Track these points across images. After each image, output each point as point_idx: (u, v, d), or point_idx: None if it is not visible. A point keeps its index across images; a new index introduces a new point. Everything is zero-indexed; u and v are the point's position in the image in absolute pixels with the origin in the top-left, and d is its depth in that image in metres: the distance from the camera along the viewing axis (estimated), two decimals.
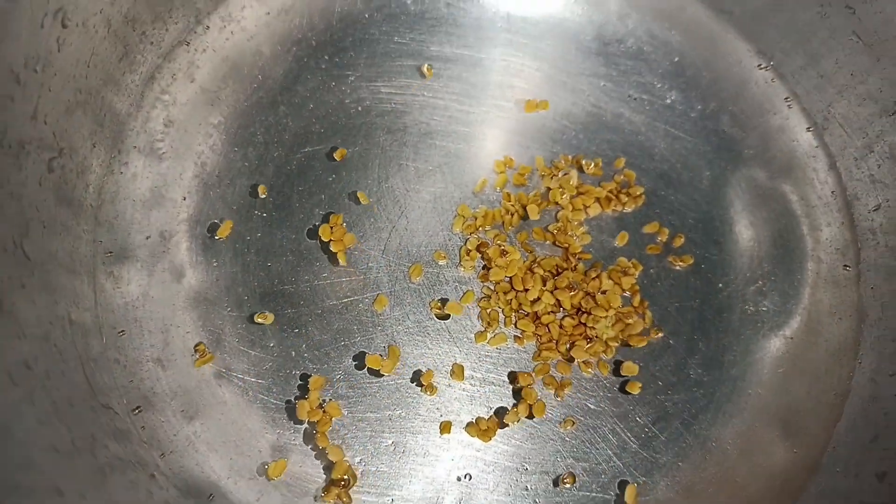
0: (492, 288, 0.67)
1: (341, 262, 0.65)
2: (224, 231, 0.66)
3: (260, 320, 0.64)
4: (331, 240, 0.66)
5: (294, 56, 0.72)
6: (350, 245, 0.66)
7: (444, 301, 0.66)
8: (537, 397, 0.63)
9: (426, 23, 0.74)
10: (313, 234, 0.67)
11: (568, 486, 0.62)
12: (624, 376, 0.65)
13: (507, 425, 0.63)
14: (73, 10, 0.55)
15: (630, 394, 0.64)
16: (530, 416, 0.63)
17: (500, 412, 0.63)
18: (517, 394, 0.64)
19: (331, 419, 0.61)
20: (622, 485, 0.62)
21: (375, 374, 0.63)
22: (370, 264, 0.66)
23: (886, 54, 0.64)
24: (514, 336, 0.66)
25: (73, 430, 0.50)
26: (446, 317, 0.65)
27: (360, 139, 0.70)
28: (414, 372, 0.64)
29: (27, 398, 0.47)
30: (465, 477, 0.62)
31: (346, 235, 0.66)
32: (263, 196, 0.67)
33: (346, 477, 0.60)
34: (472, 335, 0.65)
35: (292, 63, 0.72)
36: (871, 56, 0.66)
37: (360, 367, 0.63)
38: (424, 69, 0.72)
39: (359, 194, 0.68)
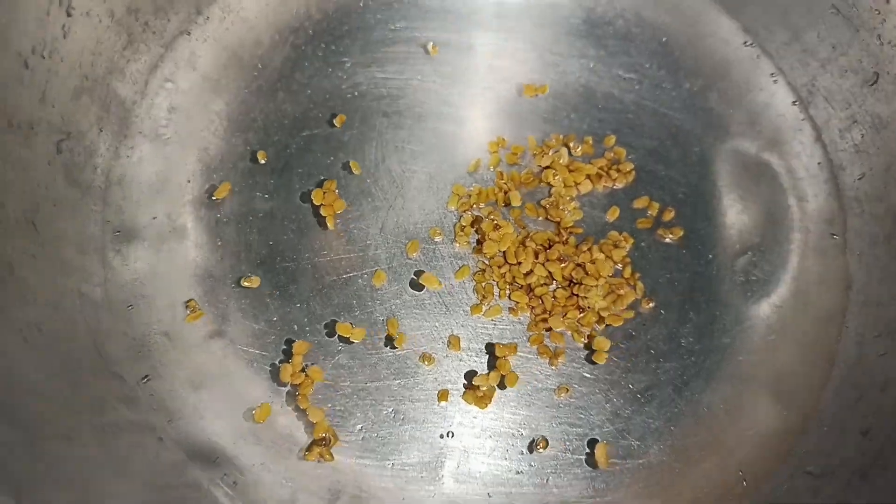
0: (486, 262, 0.69)
1: (329, 225, 0.68)
2: (222, 192, 0.68)
3: (246, 284, 0.66)
4: (322, 204, 0.68)
5: (291, 44, 0.74)
6: (339, 210, 0.68)
7: (419, 273, 0.68)
8: (510, 368, 0.65)
9: (419, 9, 0.77)
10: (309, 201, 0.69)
11: (542, 449, 0.63)
12: (594, 350, 0.66)
13: (505, 387, 0.65)
14: (77, 0, 0.58)
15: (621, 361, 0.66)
16: (502, 386, 0.65)
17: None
18: (491, 364, 0.66)
19: (312, 382, 0.63)
20: (615, 444, 0.64)
21: (374, 345, 0.66)
22: (368, 242, 0.69)
23: (864, 25, 0.66)
24: (509, 308, 0.68)
25: (82, 390, 0.53)
26: (421, 287, 0.67)
27: (356, 123, 0.72)
28: (412, 343, 0.66)
29: (38, 356, 0.49)
30: (461, 443, 0.64)
31: (337, 201, 0.69)
32: (263, 162, 0.70)
33: (326, 436, 0.62)
34: (468, 308, 0.67)
35: (290, 51, 0.74)
36: (850, 28, 0.67)
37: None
38: (429, 47, 0.75)
39: (351, 164, 0.70)
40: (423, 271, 0.68)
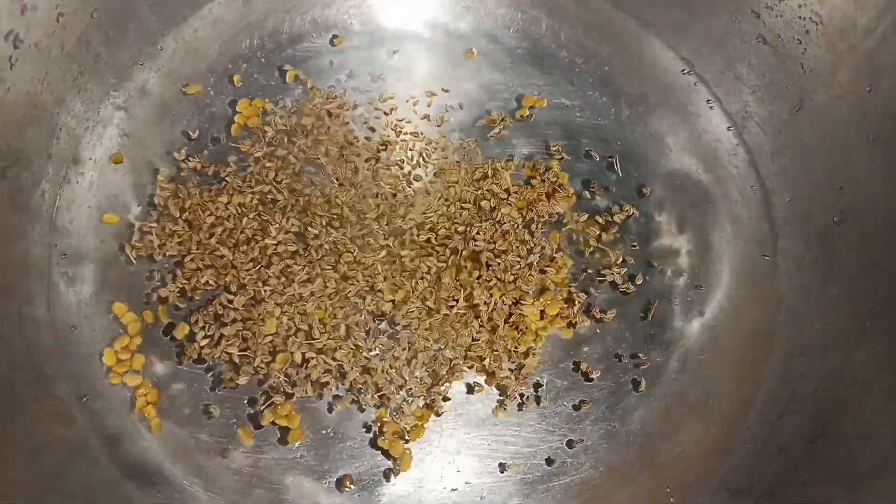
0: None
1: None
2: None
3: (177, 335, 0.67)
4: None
5: (244, 73, 0.77)
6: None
7: None
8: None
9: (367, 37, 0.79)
10: None
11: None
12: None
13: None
14: (24, 33, 0.60)
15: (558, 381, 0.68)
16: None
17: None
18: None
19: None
20: (549, 462, 0.65)
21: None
22: None
23: (788, 54, 0.69)
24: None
25: (16, 411, 0.54)
26: None
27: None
28: None
29: None
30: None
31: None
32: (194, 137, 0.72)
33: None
34: None
35: (243, 79, 0.76)
36: (776, 56, 0.70)
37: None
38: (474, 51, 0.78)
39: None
40: None
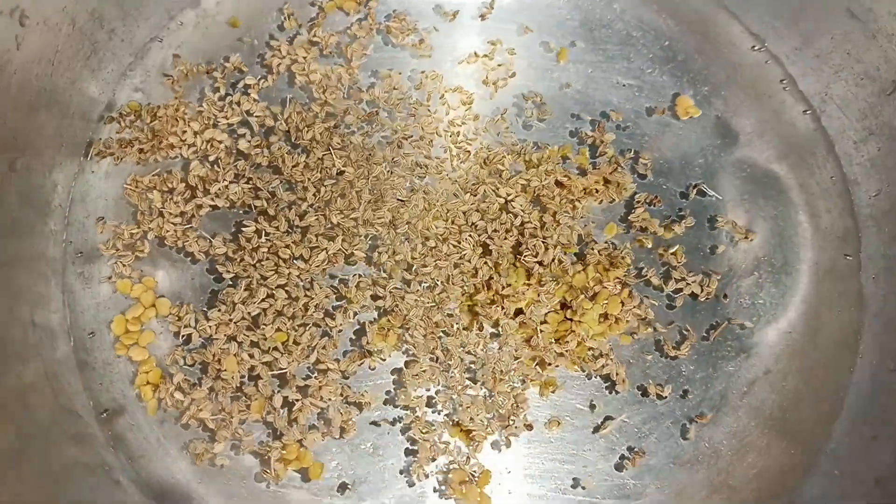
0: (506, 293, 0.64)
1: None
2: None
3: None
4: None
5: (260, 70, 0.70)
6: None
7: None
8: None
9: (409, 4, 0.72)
10: None
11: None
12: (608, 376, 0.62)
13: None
14: (31, 9, 0.54)
15: (619, 392, 0.62)
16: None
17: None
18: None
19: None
20: (610, 484, 0.60)
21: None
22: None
23: (882, 31, 0.61)
24: (491, 334, 0.63)
25: (32, 433, 0.49)
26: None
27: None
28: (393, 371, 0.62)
29: None
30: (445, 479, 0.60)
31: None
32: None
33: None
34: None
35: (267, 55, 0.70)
36: (866, 34, 0.62)
37: (345, 376, 0.61)
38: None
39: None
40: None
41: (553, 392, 0.62)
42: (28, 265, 0.57)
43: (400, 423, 0.61)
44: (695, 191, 0.66)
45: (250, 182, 0.64)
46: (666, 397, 0.62)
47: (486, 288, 0.62)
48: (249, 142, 0.65)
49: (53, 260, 0.60)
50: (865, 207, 0.65)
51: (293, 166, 0.64)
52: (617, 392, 0.62)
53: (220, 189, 0.63)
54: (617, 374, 0.61)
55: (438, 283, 0.62)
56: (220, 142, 0.65)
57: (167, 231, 0.62)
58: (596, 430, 0.61)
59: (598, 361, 0.61)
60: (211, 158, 0.64)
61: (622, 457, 0.61)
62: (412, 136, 0.66)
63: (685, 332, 0.63)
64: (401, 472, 0.60)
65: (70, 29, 0.59)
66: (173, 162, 0.65)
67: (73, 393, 0.57)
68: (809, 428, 0.61)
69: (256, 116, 0.66)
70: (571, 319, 0.62)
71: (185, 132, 0.65)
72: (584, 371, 0.62)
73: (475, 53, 0.69)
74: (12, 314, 0.54)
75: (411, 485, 0.60)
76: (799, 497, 0.59)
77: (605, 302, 0.62)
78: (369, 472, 0.60)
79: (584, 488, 0.60)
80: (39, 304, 0.57)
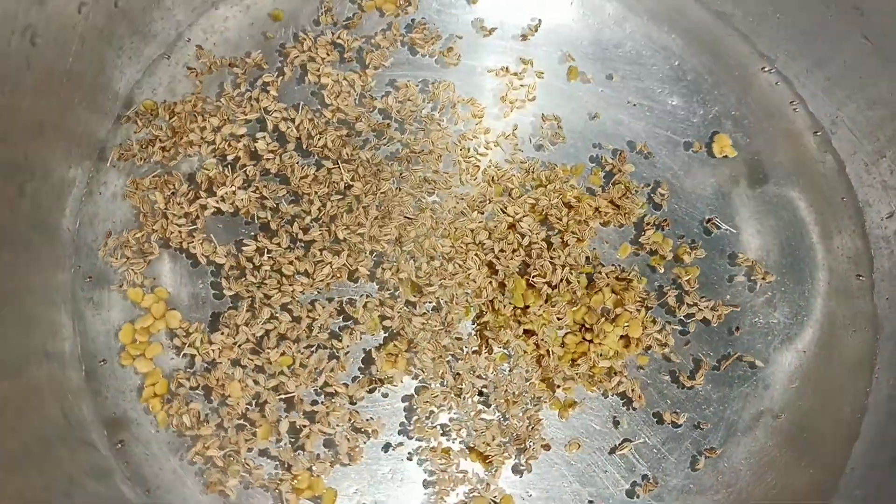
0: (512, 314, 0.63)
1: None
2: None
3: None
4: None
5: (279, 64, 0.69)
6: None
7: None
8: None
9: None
10: None
11: None
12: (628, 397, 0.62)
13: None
14: (43, 28, 0.52)
15: (636, 409, 0.62)
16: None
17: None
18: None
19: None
20: None
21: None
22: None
23: (895, 56, 0.62)
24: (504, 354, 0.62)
25: (46, 473, 0.47)
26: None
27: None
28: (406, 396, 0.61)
29: None
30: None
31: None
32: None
33: None
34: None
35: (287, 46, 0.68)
36: (880, 58, 0.63)
37: (353, 401, 0.60)
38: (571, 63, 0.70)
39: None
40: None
41: (573, 412, 0.61)
42: (38, 292, 0.55)
43: (417, 455, 0.60)
44: (710, 224, 0.67)
45: (258, 191, 0.62)
46: (681, 425, 0.62)
47: (490, 309, 0.62)
48: (267, 144, 0.64)
49: (63, 286, 0.59)
50: (877, 229, 0.66)
51: (301, 177, 0.63)
52: (634, 409, 0.62)
53: (227, 193, 0.62)
54: (633, 391, 0.61)
55: (444, 303, 0.61)
56: (240, 138, 0.64)
57: (171, 232, 0.61)
58: (613, 451, 0.61)
59: (613, 380, 0.61)
60: (230, 157, 0.63)
61: (644, 476, 0.61)
62: (422, 151, 0.65)
63: (700, 360, 0.64)
64: None
65: (80, 47, 0.57)
66: (178, 164, 0.64)
67: (87, 423, 0.55)
68: (829, 448, 0.62)
69: (274, 116, 0.65)
70: (591, 341, 0.62)
71: (203, 128, 0.63)
72: (599, 391, 0.62)
73: (506, 68, 0.69)
74: (25, 346, 0.52)
75: None
76: None
77: (626, 325, 0.62)
78: (389, 498, 0.59)
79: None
80: (51, 333, 0.56)
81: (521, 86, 0.69)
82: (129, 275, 0.60)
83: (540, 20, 0.70)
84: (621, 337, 0.63)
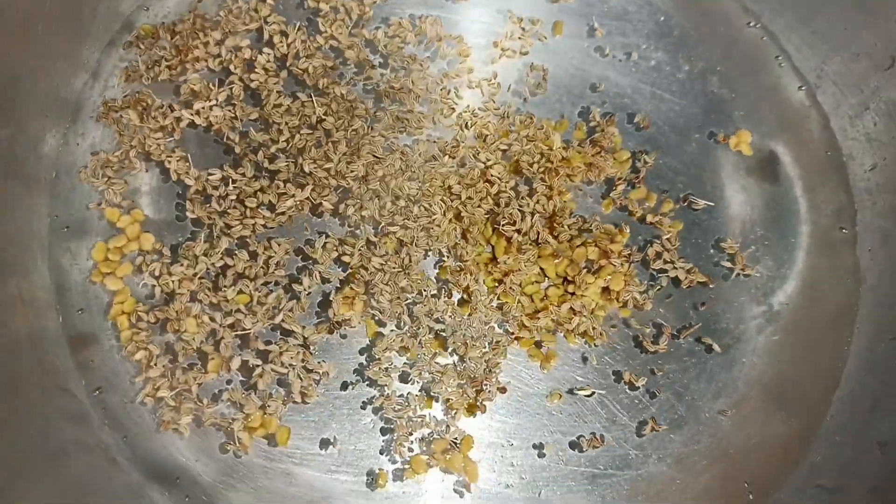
0: (476, 260, 0.63)
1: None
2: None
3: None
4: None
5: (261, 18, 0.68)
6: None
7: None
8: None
9: None
10: None
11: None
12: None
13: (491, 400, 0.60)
14: None
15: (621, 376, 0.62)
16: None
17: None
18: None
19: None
20: (610, 453, 0.60)
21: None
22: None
23: (879, 7, 0.61)
24: (497, 306, 0.62)
25: (28, 413, 0.47)
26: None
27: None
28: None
29: None
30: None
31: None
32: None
33: None
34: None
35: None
36: (862, 11, 0.63)
37: (307, 344, 0.60)
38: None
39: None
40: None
41: (554, 364, 0.61)
42: (14, 240, 0.55)
43: (371, 404, 0.60)
44: (686, 204, 0.66)
45: (233, 110, 0.62)
46: (659, 365, 0.62)
47: (452, 254, 0.62)
48: (267, 62, 0.64)
49: (39, 234, 0.58)
50: (860, 181, 0.66)
51: (275, 105, 0.63)
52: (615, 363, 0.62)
53: (203, 107, 0.62)
54: (594, 329, 0.61)
55: (404, 244, 0.61)
56: (241, 50, 0.64)
57: (150, 146, 0.61)
58: (597, 401, 0.61)
59: (573, 319, 0.61)
60: (234, 70, 0.64)
61: (623, 426, 0.61)
62: (400, 89, 0.65)
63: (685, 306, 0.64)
64: (381, 453, 0.59)
65: None
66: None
67: (64, 371, 0.55)
68: (809, 399, 0.62)
69: (272, 27, 0.65)
70: (573, 294, 0.62)
71: (207, 43, 0.64)
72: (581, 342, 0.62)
73: (520, 18, 0.69)
74: (3, 292, 0.51)
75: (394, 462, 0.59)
76: (802, 465, 0.59)
77: (609, 277, 0.62)
78: (347, 436, 0.60)
79: (580, 458, 0.60)
80: (27, 280, 0.55)
81: (520, 38, 0.68)
82: (109, 194, 0.61)
83: None
84: (603, 290, 0.63)
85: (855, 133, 0.66)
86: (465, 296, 0.62)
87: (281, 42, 0.64)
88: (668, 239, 0.65)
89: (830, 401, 0.61)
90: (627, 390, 0.62)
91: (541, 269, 0.63)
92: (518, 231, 0.61)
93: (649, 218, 0.65)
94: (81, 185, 0.61)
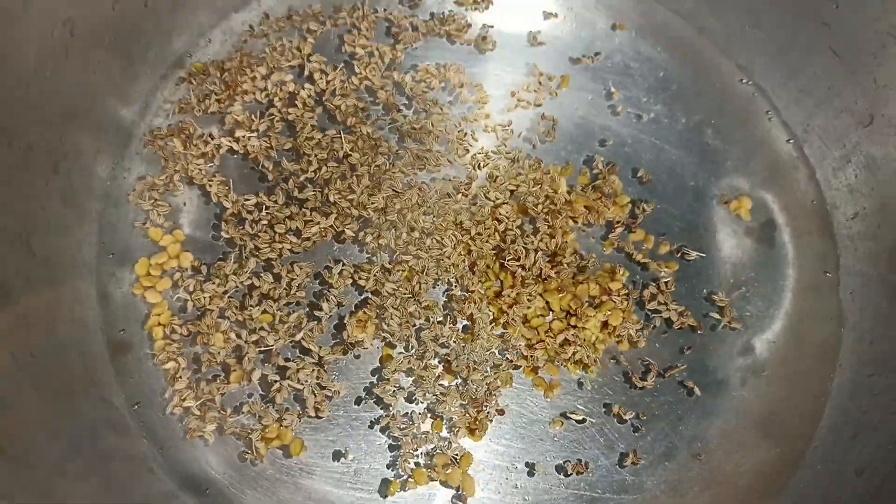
0: (482, 291, 0.68)
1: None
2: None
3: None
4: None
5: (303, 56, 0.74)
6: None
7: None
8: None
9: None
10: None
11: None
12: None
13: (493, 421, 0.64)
14: (81, 21, 0.58)
15: (612, 409, 0.66)
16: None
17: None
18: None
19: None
20: (607, 480, 0.64)
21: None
22: None
23: (860, 68, 0.67)
24: (500, 335, 0.67)
25: (75, 417, 0.52)
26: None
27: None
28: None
29: (31, 383, 0.49)
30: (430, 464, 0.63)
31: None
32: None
33: None
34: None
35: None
36: (845, 69, 0.68)
37: (321, 363, 0.65)
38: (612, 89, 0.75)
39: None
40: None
41: (557, 393, 0.66)
42: (67, 264, 0.60)
43: (378, 424, 0.64)
44: (679, 254, 0.71)
45: (269, 140, 0.68)
46: (654, 397, 0.66)
47: (459, 285, 0.67)
48: (307, 97, 0.70)
49: (88, 260, 0.63)
50: (843, 229, 0.71)
51: (307, 138, 0.69)
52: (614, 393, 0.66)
53: (244, 136, 0.68)
54: (588, 357, 0.65)
55: (416, 273, 0.66)
56: (285, 84, 0.71)
57: (192, 171, 0.67)
58: (596, 429, 0.65)
59: (568, 349, 0.65)
60: (276, 103, 0.70)
61: (618, 454, 0.65)
62: (421, 129, 0.70)
63: (680, 342, 0.68)
64: (387, 467, 0.63)
65: (112, 41, 0.63)
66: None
67: (107, 384, 0.60)
68: (794, 429, 0.66)
69: (313, 64, 0.71)
70: (575, 326, 0.67)
71: (254, 77, 0.70)
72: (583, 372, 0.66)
73: (541, 72, 0.75)
74: (56, 308, 0.56)
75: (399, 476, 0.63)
76: (787, 490, 0.63)
77: (609, 312, 0.67)
78: (357, 452, 0.64)
79: (577, 484, 0.64)
80: (77, 300, 0.60)
81: (535, 91, 0.74)
82: (153, 215, 0.66)
83: (539, 31, 0.76)
84: (602, 324, 0.67)
85: (838, 184, 0.71)
86: (469, 323, 0.67)
87: (321, 78, 0.71)
88: (665, 282, 0.69)
89: (815, 431, 0.65)
90: (625, 419, 0.66)
91: (546, 302, 0.68)
92: (522, 266, 0.66)
93: (644, 259, 0.70)
94: (127, 216, 0.67)
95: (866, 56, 0.67)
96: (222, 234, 0.66)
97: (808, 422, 0.66)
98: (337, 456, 0.63)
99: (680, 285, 0.70)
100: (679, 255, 0.71)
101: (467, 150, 0.71)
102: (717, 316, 0.69)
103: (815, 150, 0.73)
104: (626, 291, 0.68)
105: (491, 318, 0.66)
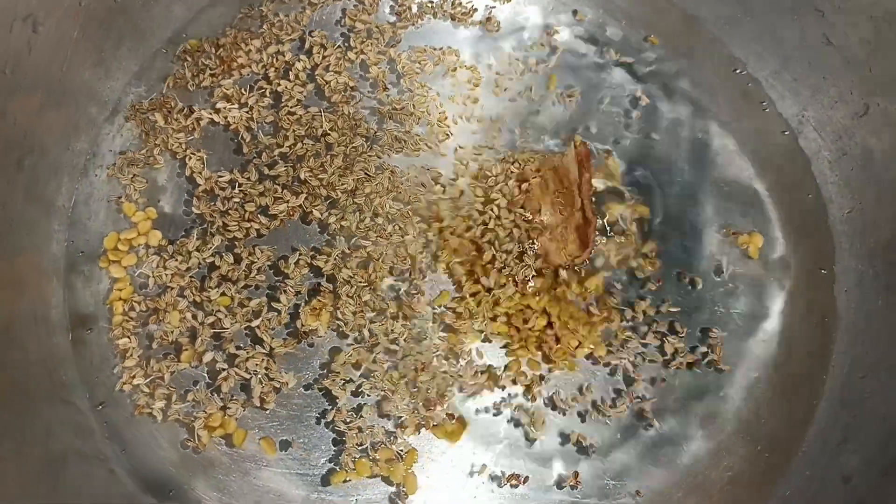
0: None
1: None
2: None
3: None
4: None
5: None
6: None
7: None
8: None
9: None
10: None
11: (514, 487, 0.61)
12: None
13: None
14: (43, 16, 0.57)
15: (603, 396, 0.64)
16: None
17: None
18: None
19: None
20: (593, 489, 0.62)
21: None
22: None
23: (855, 57, 0.64)
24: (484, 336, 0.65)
25: (31, 418, 0.51)
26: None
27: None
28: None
29: None
30: (427, 478, 0.61)
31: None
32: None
33: None
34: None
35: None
36: (839, 58, 0.65)
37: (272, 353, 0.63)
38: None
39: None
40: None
41: (538, 394, 0.64)
42: (31, 262, 0.59)
43: (324, 418, 0.62)
44: (675, 276, 0.68)
45: (250, 111, 0.68)
46: (638, 398, 0.64)
47: (415, 277, 0.65)
48: (302, 69, 0.69)
49: (55, 257, 0.63)
50: (839, 224, 0.68)
51: (288, 112, 0.68)
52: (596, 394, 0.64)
53: (225, 107, 0.67)
54: (569, 343, 0.63)
55: (373, 260, 0.64)
56: (283, 54, 0.70)
57: (172, 144, 0.67)
58: (578, 431, 0.63)
59: (548, 331, 0.64)
60: (272, 76, 0.69)
61: (603, 457, 0.63)
62: (402, 109, 0.69)
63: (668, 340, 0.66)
64: (329, 460, 0.62)
65: (80, 37, 0.62)
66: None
67: (71, 385, 0.59)
68: (783, 433, 0.63)
69: (313, 38, 0.70)
70: (554, 324, 0.65)
71: (249, 51, 0.70)
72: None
73: (526, 56, 0.73)
74: (15, 307, 0.56)
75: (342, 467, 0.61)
76: (773, 497, 0.61)
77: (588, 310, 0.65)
78: (304, 440, 0.62)
79: (568, 488, 0.62)
80: (41, 300, 0.59)
81: (520, 78, 0.73)
82: (130, 190, 0.66)
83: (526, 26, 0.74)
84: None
85: (834, 177, 0.68)
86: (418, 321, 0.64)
87: (318, 53, 0.70)
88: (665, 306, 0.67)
89: (804, 436, 0.62)
90: (608, 422, 0.63)
91: (527, 305, 0.65)
92: (492, 263, 0.65)
93: (638, 270, 0.68)
94: (98, 214, 0.66)
95: (860, 44, 0.63)
96: (193, 209, 0.65)
97: (798, 426, 0.63)
98: (284, 446, 0.62)
99: (667, 281, 0.67)
100: (679, 275, 0.68)
101: (448, 136, 0.69)
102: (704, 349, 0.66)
103: (811, 142, 0.70)
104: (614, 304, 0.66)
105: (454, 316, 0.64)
